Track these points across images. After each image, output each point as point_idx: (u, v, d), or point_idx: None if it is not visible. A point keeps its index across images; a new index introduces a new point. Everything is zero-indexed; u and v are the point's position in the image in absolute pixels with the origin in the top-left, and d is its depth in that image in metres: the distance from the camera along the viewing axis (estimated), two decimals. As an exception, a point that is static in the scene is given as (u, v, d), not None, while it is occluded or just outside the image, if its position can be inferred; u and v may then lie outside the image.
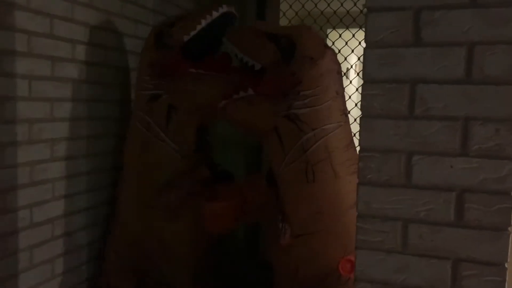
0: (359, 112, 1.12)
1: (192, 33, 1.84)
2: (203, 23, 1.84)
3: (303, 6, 2.78)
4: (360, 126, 1.09)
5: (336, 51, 2.65)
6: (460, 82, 1.01)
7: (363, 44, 1.10)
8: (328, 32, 3.08)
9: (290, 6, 2.82)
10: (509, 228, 1.00)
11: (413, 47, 1.04)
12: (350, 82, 2.71)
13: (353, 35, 2.59)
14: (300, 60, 1.72)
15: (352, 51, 2.63)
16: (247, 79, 1.81)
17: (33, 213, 1.67)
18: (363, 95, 1.08)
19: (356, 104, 2.34)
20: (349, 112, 2.31)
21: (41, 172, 1.70)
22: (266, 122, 1.77)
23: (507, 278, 1.00)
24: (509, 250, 1.02)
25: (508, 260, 1.01)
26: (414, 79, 1.04)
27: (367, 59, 1.07)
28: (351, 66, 2.90)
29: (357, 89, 2.59)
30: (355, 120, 2.11)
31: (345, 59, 2.64)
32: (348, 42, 2.63)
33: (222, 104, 1.81)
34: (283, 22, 2.92)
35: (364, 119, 1.09)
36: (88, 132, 1.92)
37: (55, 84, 1.74)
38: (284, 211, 1.76)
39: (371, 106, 1.08)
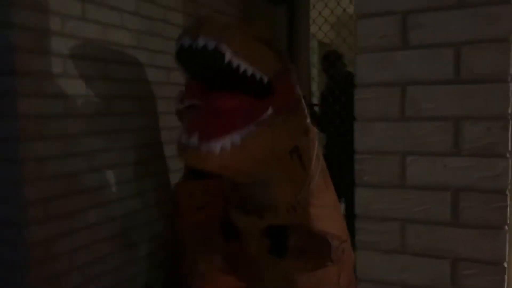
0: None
1: None
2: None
3: (332, 12, 2.81)
4: (355, 130, 1.12)
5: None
6: (449, 82, 1.02)
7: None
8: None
9: (320, 13, 2.86)
10: (505, 227, 0.99)
11: (402, 50, 1.06)
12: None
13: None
14: (290, 67, 1.58)
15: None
16: (252, 98, 1.46)
17: (73, 220, 1.82)
18: (357, 99, 1.11)
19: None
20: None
21: (79, 182, 1.84)
22: (287, 144, 1.53)
23: (506, 277, 0.99)
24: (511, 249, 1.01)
25: (507, 259, 1.00)
26: (404, 81, 1.06)
27: (359, 64, 1.10)
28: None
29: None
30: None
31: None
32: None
33: (234, 141, 1.34)
34: (313, 29, 2.96)
35: (359, 123, 1.11)
36: (123, 144, 2.06)
37: (90, 100, 1.88)
38: (332, 229, 1.67)
39: (365, 110, 1.10)
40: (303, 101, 1.63)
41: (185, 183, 2.00)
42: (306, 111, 1.64)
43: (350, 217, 1.31)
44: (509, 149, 0.98)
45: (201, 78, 1.49)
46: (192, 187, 1.96)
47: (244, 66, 1.35)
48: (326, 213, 1.66)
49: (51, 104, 1.73)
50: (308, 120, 1.65)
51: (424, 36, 1.03)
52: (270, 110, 1.43)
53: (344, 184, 1.94)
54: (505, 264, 1.00)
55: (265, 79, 1.44)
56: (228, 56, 1.31)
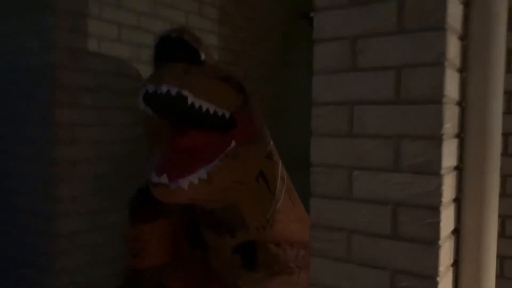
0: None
1: None
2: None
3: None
4: (311, 144, 1.21)
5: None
6: (391, 102, 1.08)
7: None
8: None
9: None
10: (438, 242, 1.03)
11: (351, 72, 1.14)
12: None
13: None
14: (251, 99, 1.69)
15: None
16: (217, 133, 1.60)
17: (97, 217, 2.05)
18: (312, 116, 1.20)
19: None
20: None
21: (105, 183, 2.07)
22: (251, 171, 1.65)
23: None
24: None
25: (440, 273, 1.03)
26: (352, 101, 1.14)
27: (314, 84, 1.20)
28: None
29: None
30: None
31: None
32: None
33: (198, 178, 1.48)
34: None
35: (314, 138, 1.20)
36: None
37: (120, 111, 2.12)
38: (299, 240, 1.80)
39: (319, 126, 1.19)
40: (265, 127, 1.74)
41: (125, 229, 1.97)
42: (268, 137, 1.75)
43: None
44: (442, 167, 1.02)
45: (168, 117, 1.65)
46: (126, 233, 1.94)
47: (206, 105, 1.50)
48: (293, 227, 1.77)
49: (84, 113, 1.98)
50: (271, 145, 1.75)
51: (370, 59, 1.11)
52: (233, 143, 1.58)
53: None
54: (438, 279, 1.03)
55: (227, 114, 1.58)
56: (190, 99, 1.46)
